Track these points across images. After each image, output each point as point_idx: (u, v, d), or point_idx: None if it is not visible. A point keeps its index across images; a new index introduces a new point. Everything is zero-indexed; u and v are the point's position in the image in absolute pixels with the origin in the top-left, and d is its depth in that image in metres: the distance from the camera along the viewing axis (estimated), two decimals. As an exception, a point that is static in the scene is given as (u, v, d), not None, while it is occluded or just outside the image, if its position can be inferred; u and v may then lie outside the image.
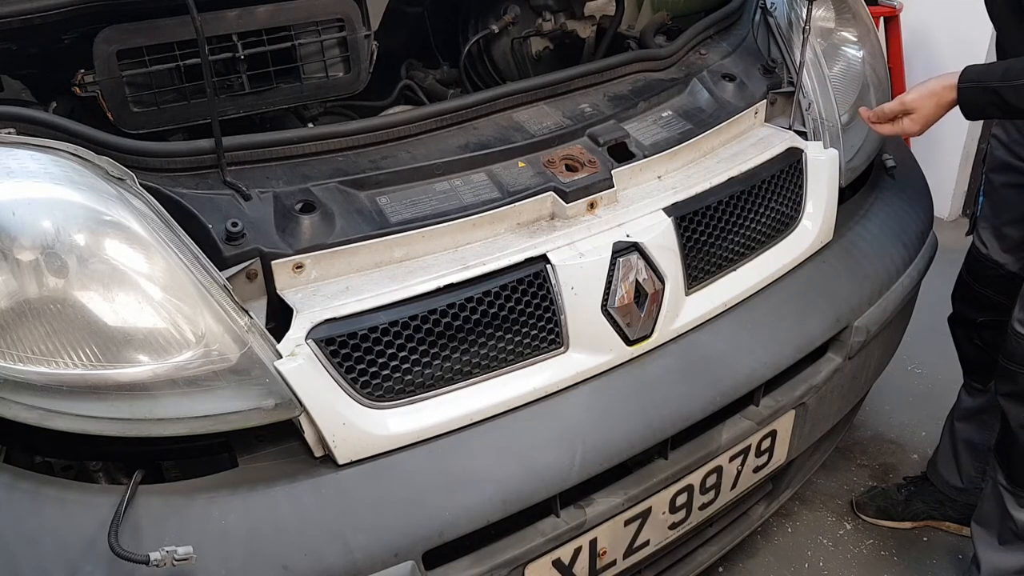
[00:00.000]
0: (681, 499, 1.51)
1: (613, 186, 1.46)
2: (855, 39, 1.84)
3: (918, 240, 1.86)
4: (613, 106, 1.61)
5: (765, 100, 1.74)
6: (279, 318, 1.24)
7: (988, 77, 1.44)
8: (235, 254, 1.21)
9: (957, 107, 1.49)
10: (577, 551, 1.37)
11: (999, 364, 1.68)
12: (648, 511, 1.44)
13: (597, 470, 1.34)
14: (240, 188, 1.28)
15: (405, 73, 1.95)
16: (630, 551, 1.46)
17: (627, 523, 1.42)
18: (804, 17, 1.71)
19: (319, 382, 1.19)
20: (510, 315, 1.33)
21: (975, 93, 1.45)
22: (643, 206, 1.47)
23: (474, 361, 1.32)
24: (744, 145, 1.67)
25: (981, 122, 3.55)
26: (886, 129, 1.59)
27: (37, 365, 1.06)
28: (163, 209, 1.18)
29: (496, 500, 1.25)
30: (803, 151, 1.70)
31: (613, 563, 1.44)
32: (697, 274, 1.52)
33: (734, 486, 1.60)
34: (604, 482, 1.39)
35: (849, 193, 1.87)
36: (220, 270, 1.18)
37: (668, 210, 1.48)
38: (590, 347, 1.40)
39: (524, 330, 1.35)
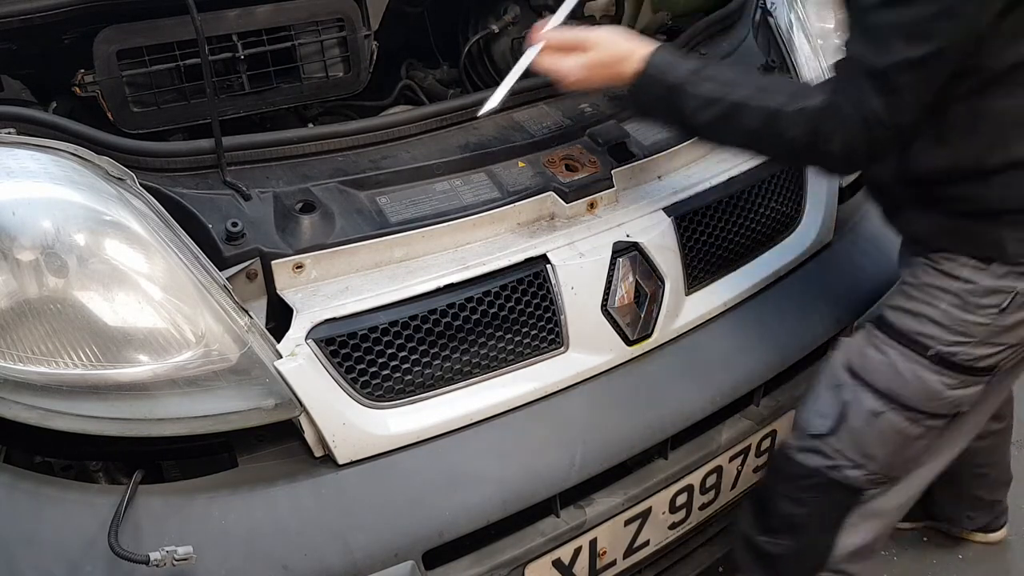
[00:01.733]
0: (681, 499, 1.50)
1: (613, 186, 1.46)
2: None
3: (918, 240, 1.86)
4: (613, 106, 1.60)
5: (765, 100, 1.74)
6: (279, 318, 1.24)
7: (674, 70, 1.20)
8: (235, 254, 1.21)
9: None
10: (577, 551, 1.37)
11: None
12: (648, 511, 1.44)
13: (597, 470, 1.34)
14: (240, 188, 1.28)
15: (405, 73, 1.94)
16: (630, 551, 1.46)
17: (627, 523, 1.42)
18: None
19: (319, 382, 1.19)
20: (510, 315, 1.33)
21: (653, 84, 1.21)
22: (643, 206, 1.47)
23: (474, 361, 1.32)
24: (744, 145, 1.67)
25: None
26: (545, 62, 1.28)
27: (37, 365, 1.06)
28: (163, 209, 1.18)
29: (496, 500, 1.25)
30: (803, 151, 1.70)
31: (613, 563, 1.44)
32: (697, 274, 1.52)
33: (734, 486, 1.60)
34: (604, 482, 1.39)
35: (849, 193, 1.87)
36: (220, 270, 1.18)
37: (668, 210, 1.47)
38: (590, 347, 1.40)
39: (524, 330, 1.35)
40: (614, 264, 1.39)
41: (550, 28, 1.24)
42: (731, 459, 1.55)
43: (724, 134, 1.29)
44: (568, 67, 1.25)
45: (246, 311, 1.16)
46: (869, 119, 1.12)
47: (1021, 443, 2.44)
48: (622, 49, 1.23)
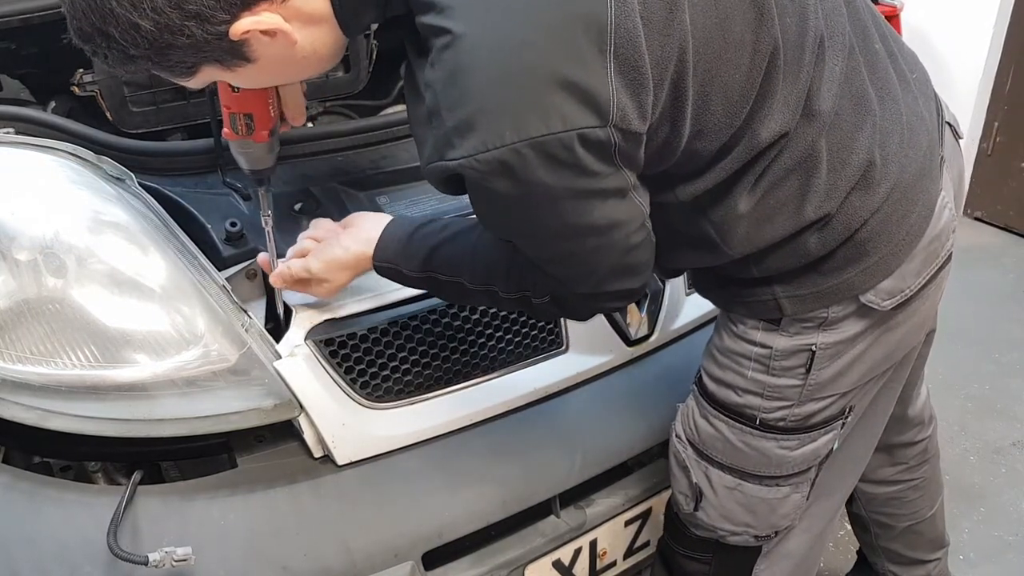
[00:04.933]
0: (681, 499, 1.50)
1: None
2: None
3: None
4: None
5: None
6: (278, 318, 1.24)
7: (407, 261, 1.12)
8: (234, 254, 1.21)
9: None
10: (577, 552, 1.37)
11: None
12: (648, 511, 1.44)
13: (597, 470, 1.34)
14: (239, 188, 1.28)
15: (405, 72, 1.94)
16: (630, 552, 1.46)
17: (627, 523, 1.42)
18: None
19: (318, 382, 1.18)
20: (510, 315, 1.33)
21: (390, 273, 1.15)
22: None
23: (474, 362, 1.31)
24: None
25: (983, 120, 3.55)
26: (297, 288, 1.19)
27: (36, 365, 1.06)
28: (162, 209, 1.18)
29: (496, 500, 1.25)
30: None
31: (613, 563, 1.44)
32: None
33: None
34: (604, 482, 1.39)
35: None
36: (219, 270, 1.18)
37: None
38: (590, 347, 1.40)
39: (525, 330, 1.35)
40: (614, 264, 1.38)
41: (274, 273, 1.17)
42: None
43: (490, 306, 1.24)
44: (320, 293, 1.19)
45: (245, 311, 1.16)
46: (598, 297, 1.05)
47: (1021, 443, 2.45)
48: (347, 261, 1.15)
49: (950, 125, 1.23)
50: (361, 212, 1.21)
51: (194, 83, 0.99)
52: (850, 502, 1.70)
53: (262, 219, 1.17)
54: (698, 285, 1.25)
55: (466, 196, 0.96)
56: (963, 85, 3.42)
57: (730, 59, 0.94)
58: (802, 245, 1.06)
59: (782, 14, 0.97)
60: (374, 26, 1.55)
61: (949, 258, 1.16)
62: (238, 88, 1.08)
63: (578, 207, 0.92)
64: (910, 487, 1.64)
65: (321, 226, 1.21)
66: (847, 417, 1.20)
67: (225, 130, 1.12)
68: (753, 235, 1.05)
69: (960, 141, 1.27)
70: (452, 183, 0.93)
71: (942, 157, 1.15)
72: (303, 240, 1.19)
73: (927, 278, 1.12)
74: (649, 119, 0.90)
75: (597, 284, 1.02)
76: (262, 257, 1.20)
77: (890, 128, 1.07)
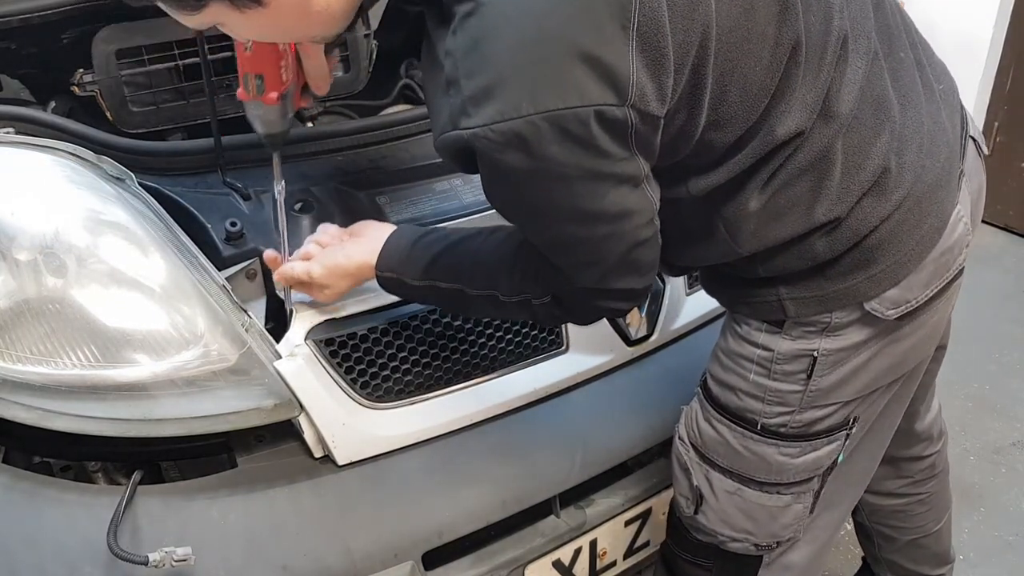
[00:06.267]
0: (681, 499, 1.50)
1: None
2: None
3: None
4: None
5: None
6: (278, 318, 1.24)
7: (409, 270, 1.12)
8: (234, 254, 1.21)
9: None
10: (577, 552, 1.37)
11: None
12: (648, 511, 1.44)
13: (597, 470, 1.34)
14: (239, 188, 1.28)
15: (405, 72, 1.94)
16: (630, 552, 1.46)
17: (627, 523, 1.42)
18: None
19: (318, 382, 1.18)
20: (510, 315, 1.33)
21: (391, 283, 1.15)
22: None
23: (474, 362, 1.31)
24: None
25: (983, 120, 3.55)
26: (298, 289, 1.20)
27: (36, 365, 1.06)
28: (162, 209, 1.18)
29: (496, 500, 1.25)
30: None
31: (613, 563, 1.44)
32: (697, 274, 1.52)
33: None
34: (604, 482, 1.39)
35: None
36: (219, 270, 1.18)
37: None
38: (591, 347, 1.40)
39: (525, 330, 1.35)
40: (614, 264, 1.38)
41: (277, 272, 1.18)
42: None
43: (491, 313, 1.23)
44: (320, 297, 1.19)
45: (245, 311, 1.16)
46: (603, 296, 1.05)
47: (1021, 443, 2.45)
48: (349, 270, 1.15)
49: (974, 140, 1.21)
50: (367, 221, 1.21)
51: (197, 21, 0.96)
52: (855, 511, 1.69)
53: (275, 188, 1.17)
54: (704, 283, 1.25)
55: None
56: (963, 85, 3.41)
57: (751, 50, 0.94)
58: (809, 247, 1.06)
59: (807, 11, 0.97)
60: (375, 25, 1.56)
61: (960, 272, 1.15)
62: (250, 48, 1.07)
63: (589, 189, 0.92)
64: (915, 501, 1.62)
65: (327, 231, 1.21)
66: (851, 428, 1.19)
67: (239, 91, 1.12)
68: (761, 233, 1.05)
69: (984, 156, 1.25)
70: (463, 157, 0.92)
71: (962, 171, 1.14)
72: (308, 244, 1.20)
73: (936, 290, 1.11)
74: (668, 103, 0.90)
75: (601, 279, 1.02)
76: (268, 253, 1.19)
77: (909, 136, 1.06)
